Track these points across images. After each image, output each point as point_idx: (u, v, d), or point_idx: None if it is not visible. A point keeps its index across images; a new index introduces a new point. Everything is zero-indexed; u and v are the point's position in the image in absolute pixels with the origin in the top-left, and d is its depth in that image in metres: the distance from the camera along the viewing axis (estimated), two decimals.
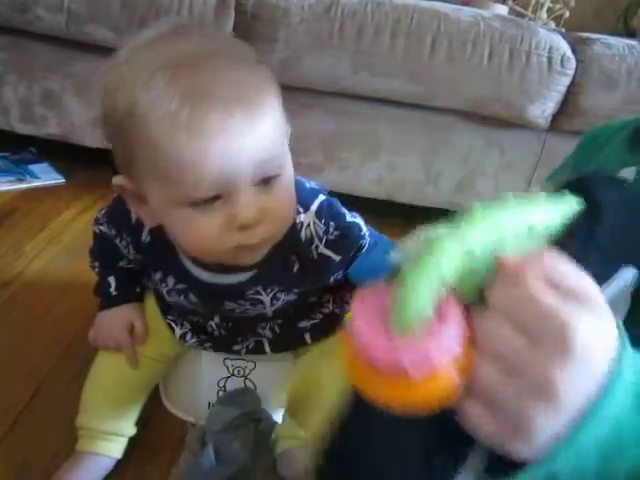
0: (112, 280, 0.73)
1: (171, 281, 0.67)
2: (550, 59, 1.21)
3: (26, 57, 1.30)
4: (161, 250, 0.65)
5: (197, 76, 0.48)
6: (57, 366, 0.83)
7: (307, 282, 0.66)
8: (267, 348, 0.74)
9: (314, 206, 0.63)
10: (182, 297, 0.68)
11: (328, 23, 1.18)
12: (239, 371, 0.76)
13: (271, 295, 0.66)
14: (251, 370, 0.76)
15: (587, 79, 1.23)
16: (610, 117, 1.25)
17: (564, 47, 1.23)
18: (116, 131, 0.53)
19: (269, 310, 0.68)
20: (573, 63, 1.22)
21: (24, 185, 1.35)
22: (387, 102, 1.29)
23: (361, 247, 0.65)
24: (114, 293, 0.73)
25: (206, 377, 0.77)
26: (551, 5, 1.65)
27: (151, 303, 0.76)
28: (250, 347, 0.73)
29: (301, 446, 0.68)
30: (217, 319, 0.72)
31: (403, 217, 1.36)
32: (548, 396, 0.25)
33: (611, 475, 0.27)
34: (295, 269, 0.64)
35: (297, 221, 0.62)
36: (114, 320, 0.72)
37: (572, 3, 1.64)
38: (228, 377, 0.76)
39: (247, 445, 0.68)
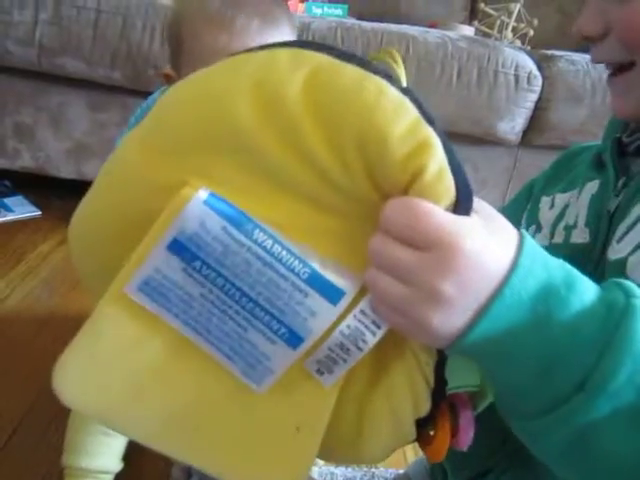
0: None
1: None
2: (517, 77, 1.24)
3: None
4: None
5: None
6: (36, 403, 0.81)
7: None
8: None
9: None
10: None
11: None
12: None
13: None
14: None
15: (554, 95, 1.26)
16: (578, 130, 1.29)
17: (530, 65, 1.26)
18: (171, 30, 0.69)
19: None
20: (539, 80, 1.26)
21: None
22: None
23: None
24: None
25: None
26: (515, 24, 1.70)
27: None
28: None
29: None
30: None
31: None
32: (439, 302, 0.27)
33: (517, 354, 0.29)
34: None
35: None
36: None
37: (535, 22, 1.69)
38: None
39: None
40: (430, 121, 0.28)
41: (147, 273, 0.30)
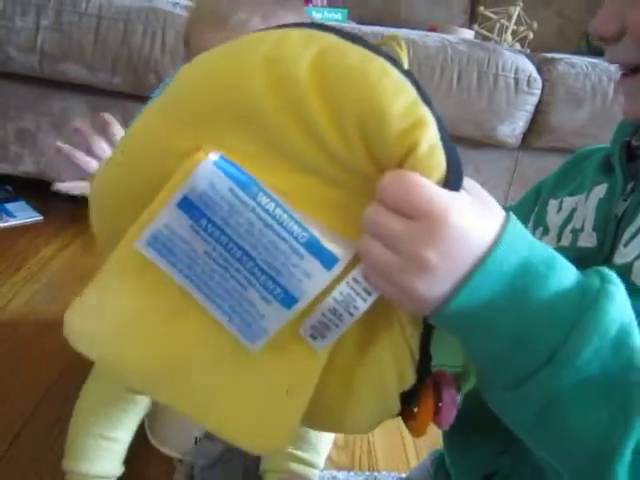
0: None
1: None
2: (517, 80, 1.24)
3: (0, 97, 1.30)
4: None
5: None
6: (38, 409, 0.81)
7: None
8: None
9: None
10: None
11: None
12: None
13: None
14: None
15: (554, 98, 1.27)
16: (578, 133, 1.29)
17: (530, 68, 1.26)
18: (184, 31, 0.70)
19: None
20: (539, 83, 1.26)
21: (0, 224, 1.33)
22: None
23: None
24: None
25: None
26: (515, 28, 1.70)
27: None
28: None
29: None
30: None
31: None
32: (424, 270, 0.29)
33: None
34: None
35: None
36: None
37: (535, 25, 1.69)
38: None
39: (235, 479, 0.68)
40: (427, 101, 0.29)
41: (157, 228, 0.32)
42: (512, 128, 1.28)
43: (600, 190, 0.47)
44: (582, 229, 0.46)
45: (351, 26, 1.30)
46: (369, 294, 0.31)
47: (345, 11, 1.54)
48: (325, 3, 1.69)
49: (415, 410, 0.36)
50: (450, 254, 0.29)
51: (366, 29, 1.26)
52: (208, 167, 0.30)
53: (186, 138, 0.31)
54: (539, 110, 1.28)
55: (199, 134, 0.31)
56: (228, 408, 0.35)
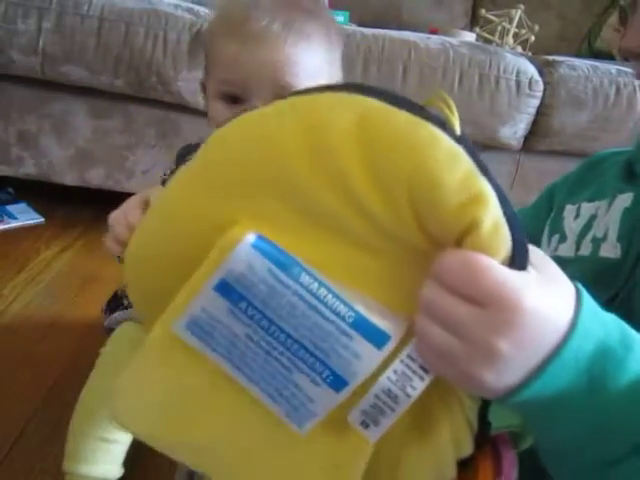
0: None
1: None
2: (518, 82, 1.24)
3: (1, 99, 1.30)
4: None
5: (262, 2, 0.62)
6: (39, 411, 0.81)
7: None
8: None
9: None
10: None
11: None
12: None
13: None
14: None
15: (555, 100, 1.27)
16: (579, 136, 1.29)
17: (531, 70, 1.26)
18: (205, 42, 0.71)
19: None
20: (541, 85, 1.26)
21: (1, 226, 1.33)
22: None
23: None
24: None
25: None
26: (517, 30, 1.70)
27: (135, 332, 0.74)
28: None
29: None
30: None
31: None
32: (494, 360, 0.26)
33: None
34: None
35: None
36: (131, 199, 0.64)
37: (537, 28, 1.69)
38: None
39: None
40: (484, 171, 0.27)
41: (194, 312, 0.31)
42: (513, 131, 1.28)
43: (625, 199, 0.45)
44: (605, 238, 0.44)
45: (352, 28, 1.30)
46: (426, 372, 0.29)
47: (346, 13, 1.54)
48: (327, 5, 1.69)
49: (472, 475, 0.33)
50: (524, 343, 0.26)
51: (367, 31, 1.26)
52: (245, 249, 0.29)
53: (219, 208, 0.30)
54: (541, 113, 1.28)
55: (233, 204, 0.30)
56: None
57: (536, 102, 1.26)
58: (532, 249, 0.29)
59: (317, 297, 0.29)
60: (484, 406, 0.32)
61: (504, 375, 0.27)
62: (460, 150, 0.26)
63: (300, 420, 0.32)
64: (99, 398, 0.71)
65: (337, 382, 0.30)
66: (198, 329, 0.31)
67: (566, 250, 0.48)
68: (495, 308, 0.26)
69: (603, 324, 0.28)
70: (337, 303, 0.29)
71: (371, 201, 0.27)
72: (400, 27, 1.45)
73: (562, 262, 0.47)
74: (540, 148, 1.34)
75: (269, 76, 0.61)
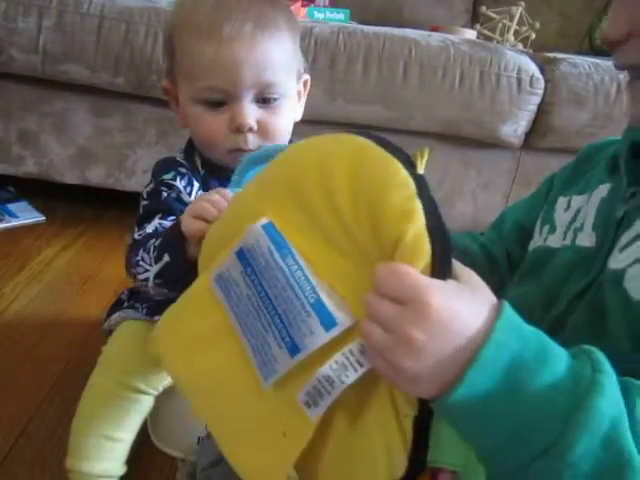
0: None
1: None
2: (519, 80, 1.24)
3: (2, 98, 1.30)
4: (216, 175, 0.70)
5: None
6: (41, 409, 0.81)
7: None
8: None
9: None
10: None
11: (301, 54, 1.20)
12: None
13: None
14: None
15: (556, 98, 1.26)
16: (580, 133, 1.28)
17: (532, 68, 1.26)
18: (166, 45, 0.67)
19: None
20: (542, 83, 1.26)
21: (2, 225, 1.34)
22: (364, 127, 1.31)
23: None
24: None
25: None
26: (518, 28, 1.70)
27: (137, 330, 0.74)
28: None
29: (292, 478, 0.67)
30: None
31: None
32: (411, 347, 0.31)
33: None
34: None
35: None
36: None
37: (537, 25, 1.69)
38: None
39: (238, 479, 0.67)
40: (424, 197, 0.34)
41: (222, 269, 0.42)
42: (514, 128, 1.28)
43: (603, 190, 0.46)
44: (582, 228, 0.46)
45: (353, 26, 1.30)
46: (361, 366, 0.34)
47: (347, 11, 1.54)
48: (327, 3, 1.69)
49: None
50: (434, 334, 0.31)
51: (368, 29, 1.26)
52: (257, 228, 0.40)
53: (259, 207, 0.41)
54: (541, 110, 1.28)
55: (267, 203, 0.41)
56: (238, 435, 0.41)
57: (537, 99, 1.26)
58: (463, 268, 0.35)
59: (294, 277, 0.37)
60: (422, 422, 0.34)
61: (419, 362, 0.31)
62: (410, 181, 0.34)
63: (266, 375, 0.39)
64: (103, 396, 0.71)
65: (293, 348, 0.37)
66: (222, 283, 0.42)
67: (554, 241, 0.49)
68: (411, 305, 0.31)
69: (520, 338, 0.32)
70: (306, 285, 0.37)
71: (347, 212, 0.36)
72: (401, 25, 1.45)
73: (551, 252, 0.48)
74: (541, 146, 1.33)
75: (252, 76, 0.61)
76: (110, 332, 0.77)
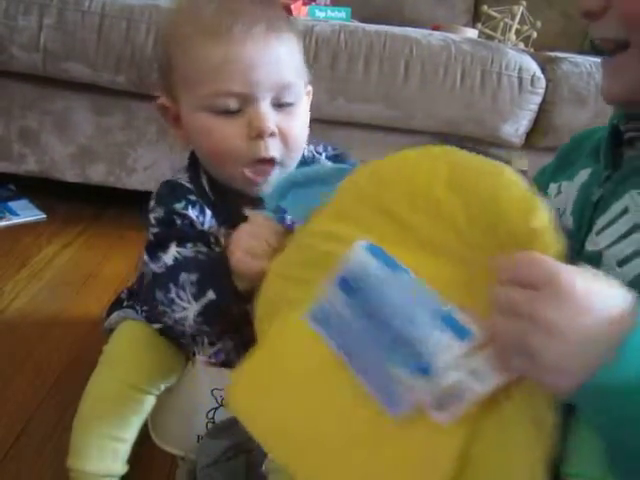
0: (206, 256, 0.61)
1: None
2: (520, 79, 1.24)
3: (3, 96, 1.30)
4: (225, 200, 0.65)
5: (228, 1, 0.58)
6: (41, 407, 0.81)
7: None
8: None
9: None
10: None
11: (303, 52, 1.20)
12: None
13: None
14: None
15: (557, 97, 1.26)
16: None
17: (534, 67, 1.26)
18: (162, 56, 0.62)
19: None
20: (543, 82, 1.25)
21: (3, 223, 1.34)
22: (365, 126, 1.31)
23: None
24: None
25: (194, 409, 0.76)
26: (519, 27, 1.70)
27: (138, 329, 0.74)
28: None
29: None
30: None
31: None
32: (551, 332, 0.30)
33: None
34: None
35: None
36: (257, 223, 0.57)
37: (539, 24, 1.68)
38: (217, 408, 0.75)
39: (239, 478, 0.67)
40: (541, 194, 0.35)
41: (321, 304, 0.40)
42: (515, 127, 1.27)
43: (583, 174, 0.47)
44: (564, 212, 0.47)
45: (354, 24, 1.29)
46: (497, 373, 0.33)
47: (349, 10, 1.53)
48: (328, 2, 1.69)
49: None
50: (575, 313, 0.30)
51: (369, 28, 1.26)
52: (359, 253, 0.38)
53: (345, 232, 0.40)
54: (543, 109, 1.28)
55: (355, 228, 0.40)
56: (364, 472, 0.37)
57: (538, 99, 1.26)
58: (586, 266, 0.33)
59: (415, 294, 0.36)
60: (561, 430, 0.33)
61: (563, 346, 0.30)
62: (520, 178, 0.35)
63: (393, 404, 0.36)
64: (105, 396, 0.71)
65: (424, 368, 0.35)
66: (323, 318, 0.40)
67: None
68: (549, 288, 0.30)
69: None
70: (431, 300, 0.35)
71: (458, 218, 0.35)
72: (402, 24, 1.45)
73: None
74: (542, 145, 1.33)
75: (269, 77, 0.57)
76: (110, 331, 0.77)
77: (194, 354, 0.72)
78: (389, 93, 1.24)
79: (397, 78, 1.23)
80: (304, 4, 1.51)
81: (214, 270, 0.56)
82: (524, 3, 1.68)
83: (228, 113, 0.58)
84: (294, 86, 0.60)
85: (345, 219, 0.41)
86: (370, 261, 0.37)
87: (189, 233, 0.63)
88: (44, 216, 1.40)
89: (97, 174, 1.35)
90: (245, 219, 0.58)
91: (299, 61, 0.62)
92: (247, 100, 0.57)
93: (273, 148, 0.59)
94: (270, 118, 0.58)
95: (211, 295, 0.56)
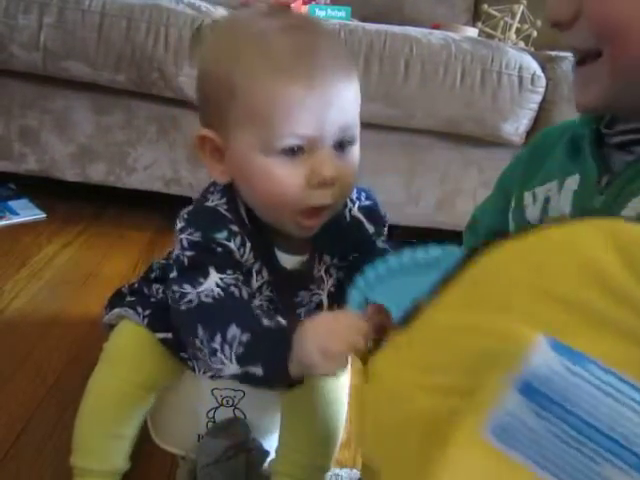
0: (269, 322, 0.55)
1: (265, 273, 0.63)
2: (521, 78, 1.24)
3: (3, 95, 1.30)
4: (261, 235, 0.62)
5: (301, 34, 0.55)
6: (41, 406, 0.81)
7: (346, 249, 0.67)
8: None
9: None
10: (263, 294, 0.64)
11: None
12: (228, 401, 0.75)
13: (324, 268, 0.66)
14: (240, 399, 0.75)
15: (557, 96, 1.26)
16: None
17: (534, 66, 1.26)
18: (214, 84, 0.57)
19: (324, 296, 0.68)
20: (543, 81, 1.25)
21: (3, 222, 1.34)
22: (365, 125, 1.30)
23: (385, 223, 0.69)
24: (283, 323, 0.55)
25: (194, 409, 0.76)
26: (519, 25, 1.70)
27: (139, 329, 0.74)
28: None
29: None
30: None
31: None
32: None
33: None
34: (335, 238, 0.65)
35: None
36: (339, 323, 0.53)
37: (539, 23, 1.68)
38: (217, 407, 0.75)
39: (239, 477, 0.68)
40: None
41: (498, 418, 0.33)
42: (516, 126, 1.27)
43: (573, 182, 0.45)
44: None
45: (354, 23, 1.29)
46: None
47: (348, 9, 1.53)
48: (328, 1, 1.69)
49: None
50: None
51: (369, 26, 1.26)
52: (543, 349, 0.32)
53: (496, 316, 0.34)
54: (543, 108, 1.28)
55: (507, 311, 0.34)
56: None
57: (538, 98, 1.26)
58: None
59: (613, 387, 0.31)
60: None
61: None
62: None
63: None
64: (108, 393, 0.71)
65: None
66: (504, 433, 0.33)
67: None
68: None
69: None
70: (632, 391, 0.31)
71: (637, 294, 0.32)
72: (402, 23, 1.45)
73: None
74: None
75: (337, 120, 0.55)
76: (110, 327, 0.77)
77: (193, 370, 0.71)
78: (389, 92, 1.24)
79: (397, 77, 1.22)
80: (304, 3, 1.51)
81: (271, 343, 0.52)
82: (524, 2, 1.68)
83: (292, 156, 0.55)
84: (356, 126, 0.59)
85: (493, 309, 0.35)
86: (556, 360, 0.32)
87: (230, 262, 0.60)
88: (44, 215, 1.40)
89: (97, 173, 1.35)
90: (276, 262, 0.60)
91: (359, 101, 0.59)
92: (312, 143, 0.55)
93: (331, 195, 0.57)
94: (332, 164, 0.55)
95: (258, 370, 0.52)
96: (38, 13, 1.18)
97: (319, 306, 0.69)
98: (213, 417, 0.75)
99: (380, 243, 0.69)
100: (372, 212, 0.68)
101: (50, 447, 0.74)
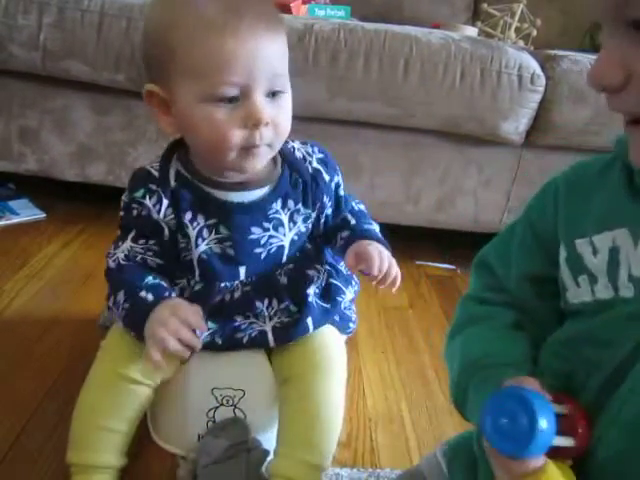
0: (146, 293, 0.68)
1: (202, 219, 0.72)
2: (520, 77, 1.24)
3: (2, 95, 1.30)
4: (188, 187, 0.72)
5: None
6: (41, 405, 0.81)
7: (310, 200, 0.76)
8: (270, 337, 0.73)
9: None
10: (213, 236, 0.72)
11: (302, 51, 1.20)
12: (228, 400, 0.75)
13: (288, 215, 0.75)
14: (240, 398, 0.75)
15: (557, 95, 1.26)
16: (581, 131, 1.28)
17: (533, 65, 1.26)
18: (156, 44, 0.64)
19: (286, 242, 0.76)
20: (543, 80, 1.25)
21: (3, 222, 1.34)
22: (365, 124, 1.31)
23: (337, 171, 0.81)
24: (151, 299, 0.68)
25: (194, 408, 0.76)
26: (519, 25, 1.70)
27: None
28: (253, 335, 0.73)
29: None
30: (243, 274, 0.75)
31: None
32: None
33: None
34: (300, 188, 0.75)
35: (289, 145, 0.77)
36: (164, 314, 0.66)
37: (539, 22, 1.68)
38: (217, 407, 0.75)
39: (239, 477, 0.68)
40: None
41: None
42: (515, 126, 1.27)
43: (622, 236, 0.41)
44: (616, 280, 0.41)
45: (354, 23, 1.29)
46: None
47: (348, 8, 1.53)
48: (328, 0, 1.69)
49: None
50: None
51: (369, 26, 1.25)
52: None
53: None
54: (543, 107, 1.27)
55: None
56: None
57: (538, 97, 1.26)
58: None
59: None
60: None
61: None
62: None
63: None
64: (99, 387, 0.71)
65: None
66: None
67: (602, 292, 0.43)
68: None
69: None
70: None
71: None
72: (401, 22, 1.44)
73: (603, 304, 0.42)
74: (542, 143, 1.33)
75: (267, 69, 0.63)
76: (105, 328, 0.77)
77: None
78: (389, 91, 1.24)
79: (397, 76, 1.22)
80: (304, 3, 1.50)
81: (139, 314, 0.67)
82: (524, 1, 1.68)
83: (228, 103, 0.63)
84: (284, 77, 0.67)
85: None
86: None
87: (144, 227, 0.72)
88: (44, 215, 1.40)
89: (97, 173, 1.35)
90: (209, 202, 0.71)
91: (287, 55, 0.67)
92: (247, 90, 0.62)
93: (266, 137, 0.65)
94: (265, 109, 0.63)
95: (131, 332, 0.69)
96: (37, 13, 1.18)
97: (280, 250, 0.76)
98: (213, 417, 0.75)
99: (340, 191, 0.82)
100: (326, 162, 0.79)
101: (50, 447, 0.74)
